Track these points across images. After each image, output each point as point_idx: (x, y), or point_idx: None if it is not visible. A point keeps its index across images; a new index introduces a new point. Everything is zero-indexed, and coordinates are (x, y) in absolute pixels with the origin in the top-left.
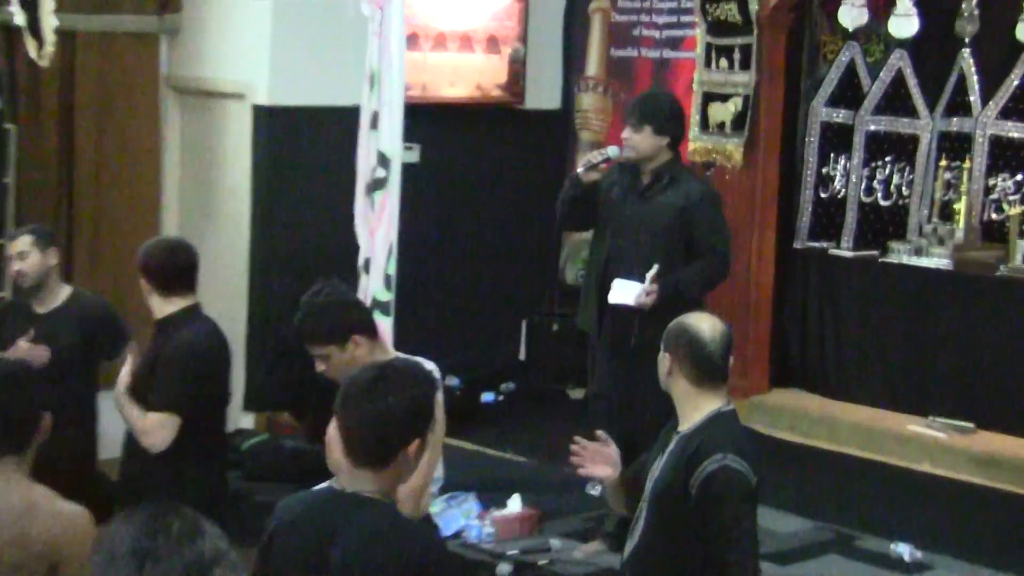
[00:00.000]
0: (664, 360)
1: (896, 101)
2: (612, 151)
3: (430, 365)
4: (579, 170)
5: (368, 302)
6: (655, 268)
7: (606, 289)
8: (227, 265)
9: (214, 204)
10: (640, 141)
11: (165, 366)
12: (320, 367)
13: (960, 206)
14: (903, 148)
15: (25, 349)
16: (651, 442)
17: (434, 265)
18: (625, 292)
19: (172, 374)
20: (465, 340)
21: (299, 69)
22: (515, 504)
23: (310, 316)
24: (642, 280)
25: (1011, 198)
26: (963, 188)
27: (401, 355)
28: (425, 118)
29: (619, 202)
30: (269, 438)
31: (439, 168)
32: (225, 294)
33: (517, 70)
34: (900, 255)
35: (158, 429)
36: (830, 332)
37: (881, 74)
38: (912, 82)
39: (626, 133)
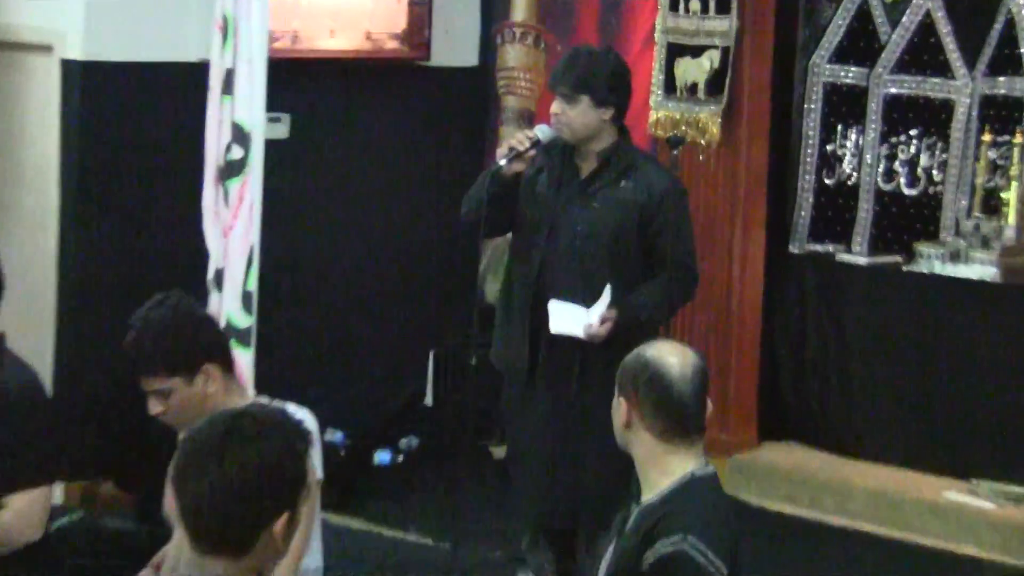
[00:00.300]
0: (620, 407)
1: (924, 55)
2: (543, 132)
3: (303, 413)
4: (500, 162)
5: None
6: (608, 288)
7: (538, 314)
8: (27, 277)
9: (9, 193)
10: (576, 117)
11: (10, 426)
12: (155, 408)
13: (1010, 195)
14: (934, 118)
15: None
16: (604, 520)
17: (309, 278)
18: (570, 319)
19: (29, 433)
20: (351, 379)
21: (125, 12)
22: None
23: (147, 336)
24: (586, 303)
25: None
26: (1013, 171)
27: (264, 399)
28: (297, 79)
29: (551, 196)
30: (84, 516)
31: (316, 146)
32: (25, 318)
33: (420, 14)
34: (931, 262)
35: (36, 512)
36: (838, 366)
37: (903, 19)
38: (945, 29)
39: (556, 107)
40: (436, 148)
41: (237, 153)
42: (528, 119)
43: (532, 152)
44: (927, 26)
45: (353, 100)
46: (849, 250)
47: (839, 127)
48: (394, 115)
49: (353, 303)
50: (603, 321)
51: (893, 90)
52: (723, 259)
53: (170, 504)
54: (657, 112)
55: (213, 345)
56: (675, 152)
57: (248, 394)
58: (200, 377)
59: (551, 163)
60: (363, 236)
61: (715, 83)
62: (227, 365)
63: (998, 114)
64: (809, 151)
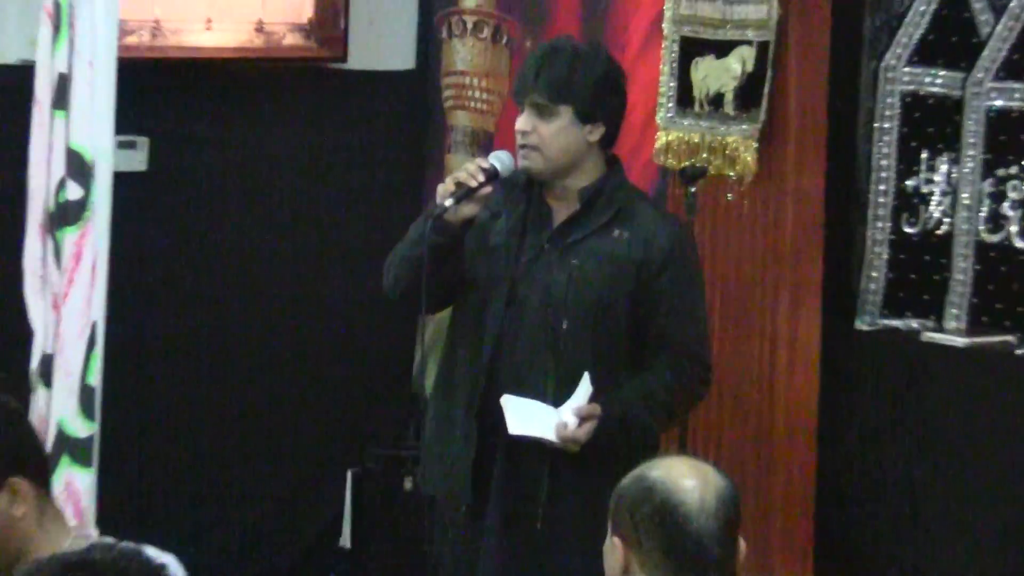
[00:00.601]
0: (614, 550)
1: None
2: (501, 161)
3: (166, 559)
4: (445, 203)
5: (49, 439)
6: (587, 379)
7: (490, 416)
8: None
9: None
10: (551, 137)
11: None
12: None
13: None
14: None
15: None
16: None
17: (177, 368)
18: (533, 418)
19: None
20: (237, 511)
21: None
22: None
23: None
24: (556, 400)
25: None
26: None
27: (109, 539)
28: (159, 89)
29: (512, 250)
30: None
31: (186, 182)
32: None
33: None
34: None
35: None
36: (924, 489)
37: (1012, 3)
38: None
39: (524, 123)
40: (356, 185)
41: (74, 192)
42: (486, 143)
43: (488, 189)
44: None
45: (239, 117)
46: (940, 327)
47: (924, 154)
48: (297, 138)
49: (239, 403)
50: (581, 420)
51: (999, 102)
52: (762, 342)
53: None
54: (667, 134)
55: (25, 452)
56: (692, 190)
57: (85, 531)
58: (4, 496)
59: (513, 204)
60: (254, 308)
61: (749, 93)
62: (43, 481)
63: None
64: (882, 188)
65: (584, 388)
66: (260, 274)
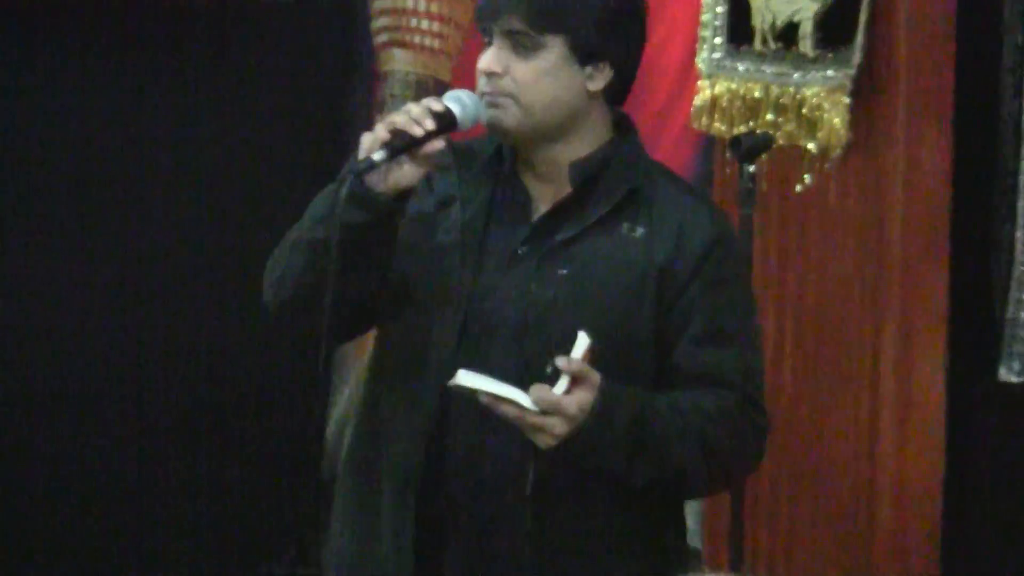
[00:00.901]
0: None
1: None
2: (461, 104)
3: None
4: (374, 156)
5: None
6: (585, 338)
7: (430, 504)
8: None
9: None
10: (532, 82)
11: None
12: None
13: None
14: None
15: None
16: None
17: (27, 426)
18: (499, 387)
19: None
20: None
21: None
22: None
23: None
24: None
25: None
26: None
27: None
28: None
29: (466, 256)
30: None
31: (39, 155)
32: None
33: None
34: None
35: None
36: None
37: None
38: None
39: (490, 60)
40: (245, 162)
41: None
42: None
43: (439, 144)
44: None
45: (74, 66)
46: None
47: None
48: (159, 93)
49: (73, 487)
50: (572, 384)
51: None
52: (858, 395)
53: None
54: (712, 84)
55: None
56: (750, 169)
57: None
58: None
59: (472, 185)
60: (100, 339)
61: (836, 23)
62: None
63: None
64: None
65: (581, 344)
66: (108, 289)
